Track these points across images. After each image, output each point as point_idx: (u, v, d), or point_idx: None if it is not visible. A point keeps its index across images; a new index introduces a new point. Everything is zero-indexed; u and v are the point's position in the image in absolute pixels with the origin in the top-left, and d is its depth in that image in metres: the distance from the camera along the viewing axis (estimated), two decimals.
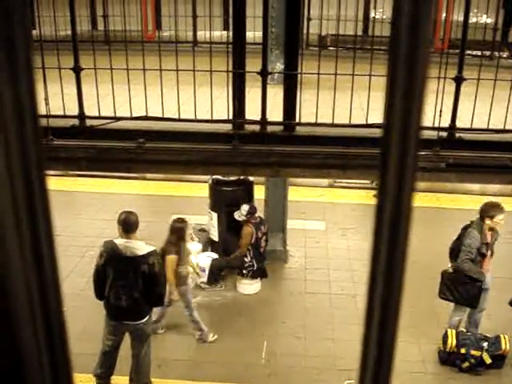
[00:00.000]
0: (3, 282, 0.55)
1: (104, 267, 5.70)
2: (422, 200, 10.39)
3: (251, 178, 8.52)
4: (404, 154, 0.56)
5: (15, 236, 0.54)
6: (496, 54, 7.32)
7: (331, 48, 6.02)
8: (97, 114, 4.61)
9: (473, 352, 6.65)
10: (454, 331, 6.78)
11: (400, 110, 0.54)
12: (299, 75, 4.54)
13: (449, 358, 6.76)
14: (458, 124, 4.49)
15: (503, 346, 6.68)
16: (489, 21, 7.56)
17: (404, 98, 0.54)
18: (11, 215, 0.53)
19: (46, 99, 4.35)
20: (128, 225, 5.72)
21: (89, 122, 4.61)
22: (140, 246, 5.68)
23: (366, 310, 0.62)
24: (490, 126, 4.48)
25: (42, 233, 0.56)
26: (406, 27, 0.53)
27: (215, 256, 8.29)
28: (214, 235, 8.62)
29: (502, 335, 6.74)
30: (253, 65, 4.56)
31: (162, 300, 5.93)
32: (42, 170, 0.54)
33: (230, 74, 4.53)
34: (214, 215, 8.51)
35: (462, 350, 6.66)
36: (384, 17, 8.35)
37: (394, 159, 0.56)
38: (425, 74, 0.54)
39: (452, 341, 6.69)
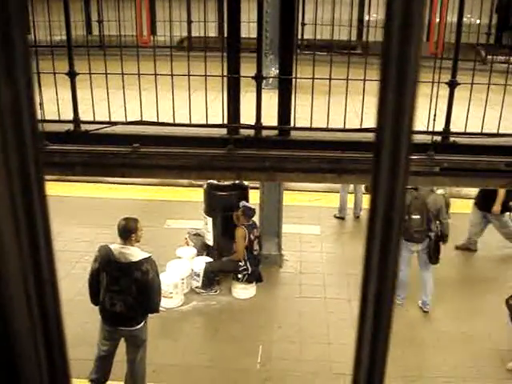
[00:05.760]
0: (1, 288, 0.55)
1: (98, 272, 5.69)
2: None
3: (246, 183, 8.53)
4: (396, 158, 0.57)
5: (14, 241, 0.54)
6: (489, 58, 7.35)
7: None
8: (92, 119, 4.61)
9: None
10: None
11: (391, 112, 0.55)
12: (294, 80, 4.55)
13: None
14: (452, 128, 4.51)
15: None
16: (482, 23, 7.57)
17: (395, 100, 0.55)
18: (10, 219, 0.53)
19: (41, 104, 4.34)
20: (122, 231, 5.71)
21: (84, 127, 4.60)
22: (134, 252, 5.66)
23: (360, 311, 0.63)
24: (484, 130, 4.50)
25: (41, 237, 0.56)
26: (397, 29, 0.54)
27: (210, 260, 8.29)
28: (209, 240, 8.62)
29: None
30: (247, 70, 4.57)
31: (157, 307, 5.89)
32: (40, 173, 0.54)
33: (225, 79, 4.54)
34: (209, 220, 8.52)
35: None
36: (378, 17, 8.36)
37: (386, 162, 0.57)
38: (416, 77, 0.55)
39: None
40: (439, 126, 4.45)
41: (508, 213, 8.95)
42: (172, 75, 4.48)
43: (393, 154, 0.56)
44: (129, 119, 4.56)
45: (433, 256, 7.54)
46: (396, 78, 0.54)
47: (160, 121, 4.53)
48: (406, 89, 0.54)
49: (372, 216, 0.59)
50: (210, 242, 8.62)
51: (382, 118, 0.55)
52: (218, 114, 4.54)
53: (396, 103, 0.54)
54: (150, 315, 5.94)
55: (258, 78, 4.43)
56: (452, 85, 4.43)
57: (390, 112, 0.54)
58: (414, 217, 7.37)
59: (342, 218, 10.42)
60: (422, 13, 0.52)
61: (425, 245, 7.52)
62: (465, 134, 4.51)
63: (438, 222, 7.51)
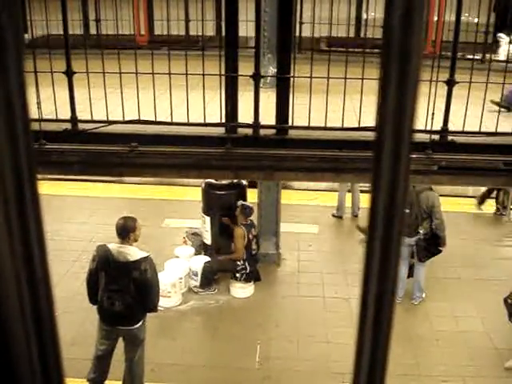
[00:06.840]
0: None
1: (96, 271, 5.67)
2: None
3: (244, 182, 8.53)
4: (397, 157, 0.56)
5: (6, 240, 0.54)
6: (487, 56, 7.35)
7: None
8: (89, 118, 4.60)
9: None
10: None
11: (392, 111, 0.54)
12: (292, 79, 4.54)
13: None
14: (450, 127, 4.51)
15: None
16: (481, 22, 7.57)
17: (396, 99, 0.54)
18: (2, 218, 0.53)
19: (39, 103, 4.33)
20: (120, 230, 5.69)
21: (81, 126, 4.60)
22: (132, 251, 5.64)
23: (360, 311, 0.62)
24: (482, 129, 4.49)
25: (34, 237, 0.55)
26: (398, 26, 0.53)
27: (208, 259, 8.28)
28: (207, 239, 8.61)
29: None
30: (245, 69, 4.57)
31: (155, 306, 5.88)
32: (33, 172, 0.54)
33: (223, 78, 4.53)
34: (207, 219, 8.50)
35: None
36: (377, 15, 8.34)
37: (387, 162, 0.57)
38: (417, 76, 0.55)
39: None
40: (437, 125, 4.45)
41: None
42: (170, 74, 4.48)
43: (394, 153, 0.55)
44: (126, 118, 4.55)
45: (419, 254, 7.53)
46: (397, 78, 0.53)
47: (158, 120, 4.53)
48: (407, 88, 0.53)
49: (373, 215, 0.58)
50: (208, 241, 8.61)
51: (383, 116, 0.54)
52: (215, 112, 4.53)
53: (397, 102, 0.54)
54: (148, 314, 5.93)
55: (256, 77, 4.42)
56: (450, 83, 4.43)
57: (390, 111, 0.54)
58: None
59: (339, 217, 10.42)
60: (423, 11, 0.52)
61: (415, 240, 7.50)
62: (463, 132, 4.51)
63: (431, 221, 7.48)
